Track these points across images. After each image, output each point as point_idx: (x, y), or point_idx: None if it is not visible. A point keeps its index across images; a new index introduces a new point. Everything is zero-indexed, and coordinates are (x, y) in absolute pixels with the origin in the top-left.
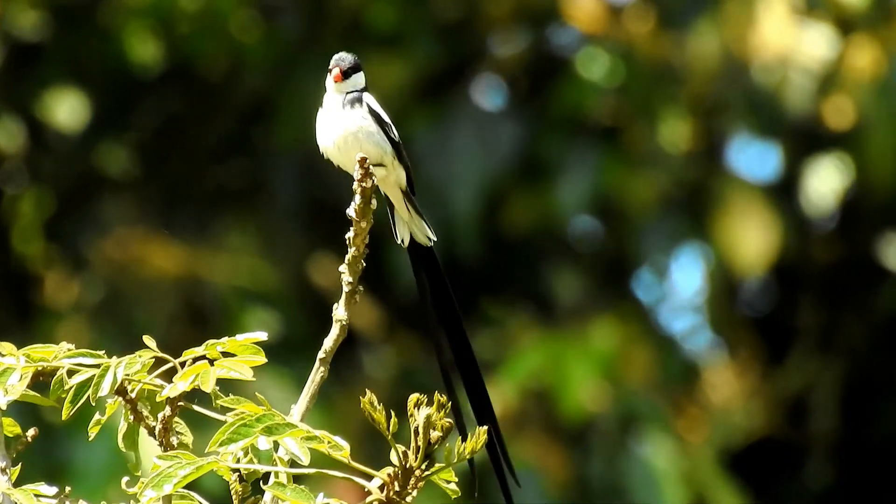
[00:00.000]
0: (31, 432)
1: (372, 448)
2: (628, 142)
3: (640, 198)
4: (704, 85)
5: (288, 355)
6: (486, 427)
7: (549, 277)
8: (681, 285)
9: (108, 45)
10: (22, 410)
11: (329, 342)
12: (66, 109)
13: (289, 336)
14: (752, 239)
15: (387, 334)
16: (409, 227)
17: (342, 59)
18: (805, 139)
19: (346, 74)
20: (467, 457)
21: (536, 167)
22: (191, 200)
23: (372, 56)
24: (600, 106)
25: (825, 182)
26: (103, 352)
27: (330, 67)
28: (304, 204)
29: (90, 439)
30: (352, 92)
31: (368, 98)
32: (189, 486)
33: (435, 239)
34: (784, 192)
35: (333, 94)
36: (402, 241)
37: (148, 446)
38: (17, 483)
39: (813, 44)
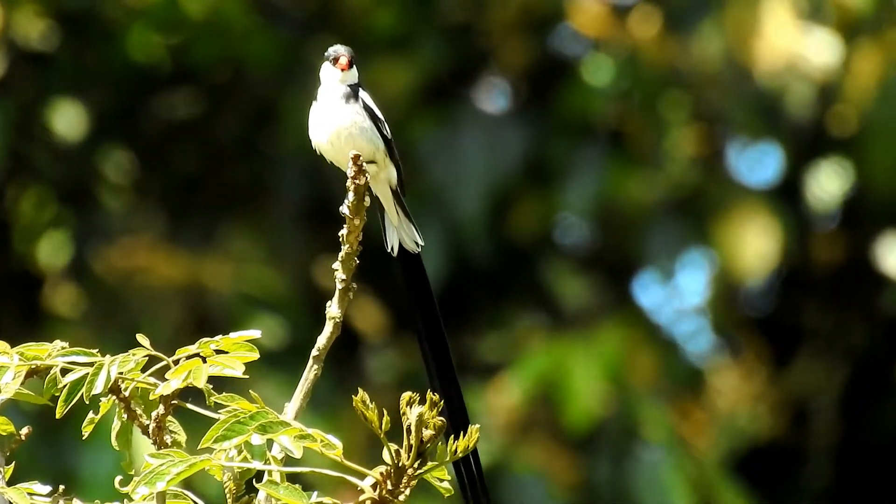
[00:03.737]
0: (24, 430)
1: (378, 458)
2: (633, 146)
3: (644, 202)
4: (708, 89)
5: (294, 362)
6: (478, 426)
7: (554, 281)
8: (684, 289)
9: (112, 50)
10: (22, 413)
11: (322, 340)
12: (71, 112)
13: (294, 343)
14: (754, 243)
15: (390, 336)
16: (399, 233)
17: (340, 49)
18: (806, 143)
19: (351, 64)
20: (459, 455)
21: (542, 171)
22: (195, 206)
23: (377, 60)
24: (605, 110)
25: (826, 185)
26: (97, 350)
27: (332, 58)
28: (308, 208)
29: (84, 437)
30: (349, 86)
31: (363, 93)
32: (183, 487)
33: (423, 244)
34: (786, 196)
35: (330, 86)
36: (392, 248)
37: (143, 446)
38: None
39: (816, 49)
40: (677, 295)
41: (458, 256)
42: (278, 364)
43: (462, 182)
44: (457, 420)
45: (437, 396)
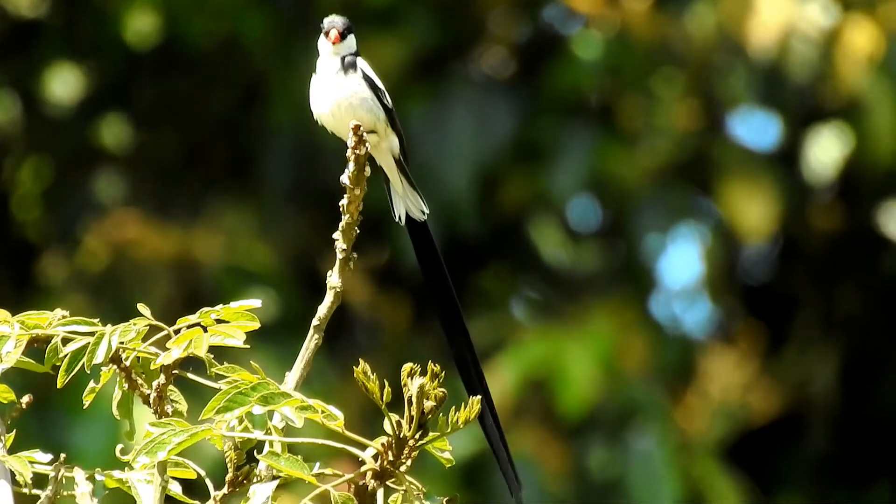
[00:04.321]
0: (25, 399)
1: (371, 432)
2: (624, 121)
3: (635, 177)
4: (702, 62)
5: (285, 336)
6: (479, 397)
7: (546, 258)
8: (678, 264)
9: (104, 22)
10: (20, 384)
11: (323, 309)
12: (62, 85)
13: (285, 317)
14: (755, 206)
15: (382, 305)
16: (404, 202)
17: (335, 21)
18: (806, 109)
19: (342, 36)
20: (461, 426)
21: (532, 147)
22: (186, 180)
23: (367, 34)
24: (596, 86)
25: (826, 152)
26: (97, 320)
27: (325, 30)
28: (299, 183)
29: (84, 407)
30: (346, 56)
31: (362, 63)
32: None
33: (427, 212)
34: (785, 162)
35: (327, 58)
36: (400, 218)
37: (144, 416)
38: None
39: (812, 16)
40: (672, 269)
41: (448, 233)
42: (268, 338)
43: (451, 158)
44: (472, 384)
45: (439, 368)
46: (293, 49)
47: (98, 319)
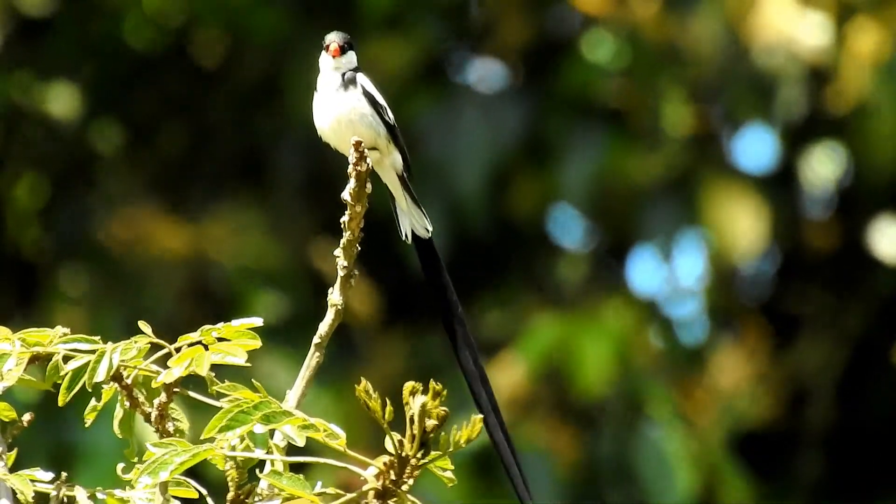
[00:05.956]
0: (26, 417)
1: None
2: (632, 124)
3: (642, 179)
4: (706, 67)
5: (295, 336)
6: (481, 416)
7: (555, 259)
8: (682, 269)
9: (112, 22)
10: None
11: (324, 327)
12: (65, 94)
13: (295, 317)
14: (744, 225)
15: (393, 319)
16: (409, 219)
17: (335, 36)
18: (800, 127)
19: (342, 50)
20: (463, 445)
21: (541, 148)
22: (196, 179)
23: (373, 37)
24: (605, 88)
25: (820, 170)
26: (98, 337)
27: (325, 44)
28: (308, 183)
29: (87, 426)
30: (346, 72)
31: (363, 79)
32: (187, 473)
33: (431, 229)
34: (780, 181)
35: (327, 74)
36: (406, 236)
37: (149, 432)
38: (18, 466)
39: (811, 31)
40: (675, 275)
41: (459, 233)
42: (279, 338)
43: (461, 159)
44: (479, 396)
45: (440, 386)
46: (303, 47)
47: (99, 337)
